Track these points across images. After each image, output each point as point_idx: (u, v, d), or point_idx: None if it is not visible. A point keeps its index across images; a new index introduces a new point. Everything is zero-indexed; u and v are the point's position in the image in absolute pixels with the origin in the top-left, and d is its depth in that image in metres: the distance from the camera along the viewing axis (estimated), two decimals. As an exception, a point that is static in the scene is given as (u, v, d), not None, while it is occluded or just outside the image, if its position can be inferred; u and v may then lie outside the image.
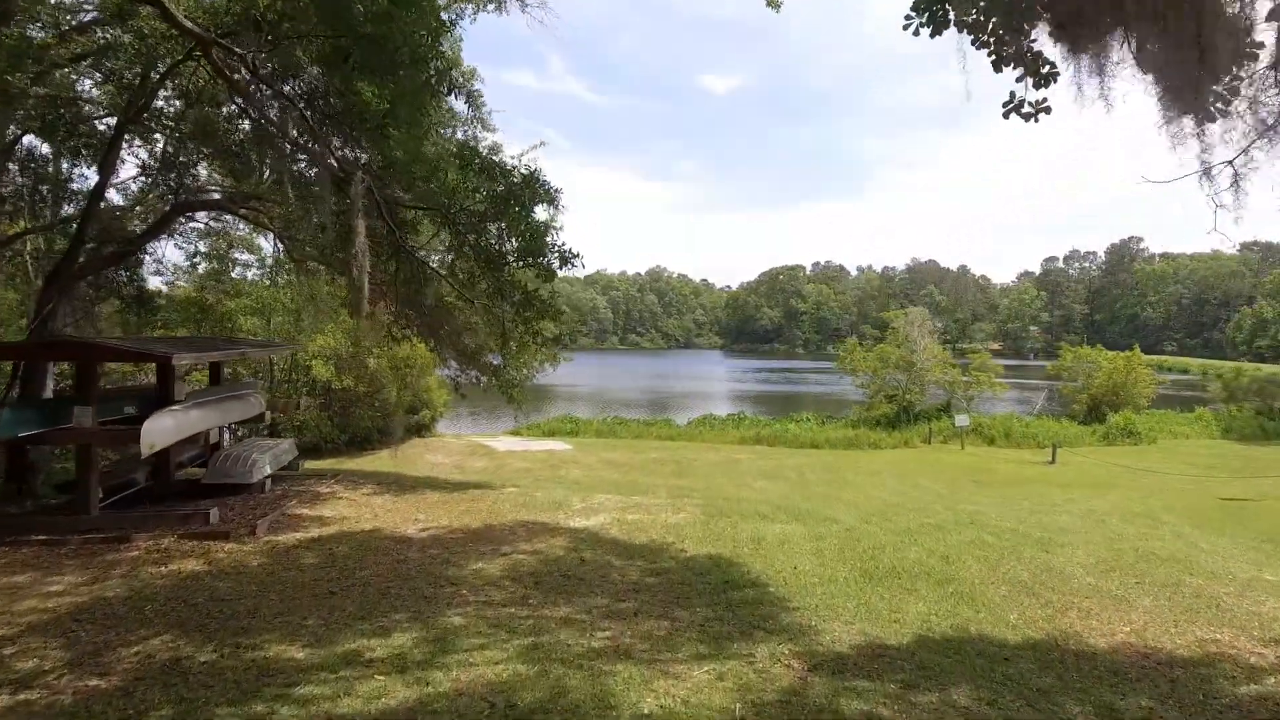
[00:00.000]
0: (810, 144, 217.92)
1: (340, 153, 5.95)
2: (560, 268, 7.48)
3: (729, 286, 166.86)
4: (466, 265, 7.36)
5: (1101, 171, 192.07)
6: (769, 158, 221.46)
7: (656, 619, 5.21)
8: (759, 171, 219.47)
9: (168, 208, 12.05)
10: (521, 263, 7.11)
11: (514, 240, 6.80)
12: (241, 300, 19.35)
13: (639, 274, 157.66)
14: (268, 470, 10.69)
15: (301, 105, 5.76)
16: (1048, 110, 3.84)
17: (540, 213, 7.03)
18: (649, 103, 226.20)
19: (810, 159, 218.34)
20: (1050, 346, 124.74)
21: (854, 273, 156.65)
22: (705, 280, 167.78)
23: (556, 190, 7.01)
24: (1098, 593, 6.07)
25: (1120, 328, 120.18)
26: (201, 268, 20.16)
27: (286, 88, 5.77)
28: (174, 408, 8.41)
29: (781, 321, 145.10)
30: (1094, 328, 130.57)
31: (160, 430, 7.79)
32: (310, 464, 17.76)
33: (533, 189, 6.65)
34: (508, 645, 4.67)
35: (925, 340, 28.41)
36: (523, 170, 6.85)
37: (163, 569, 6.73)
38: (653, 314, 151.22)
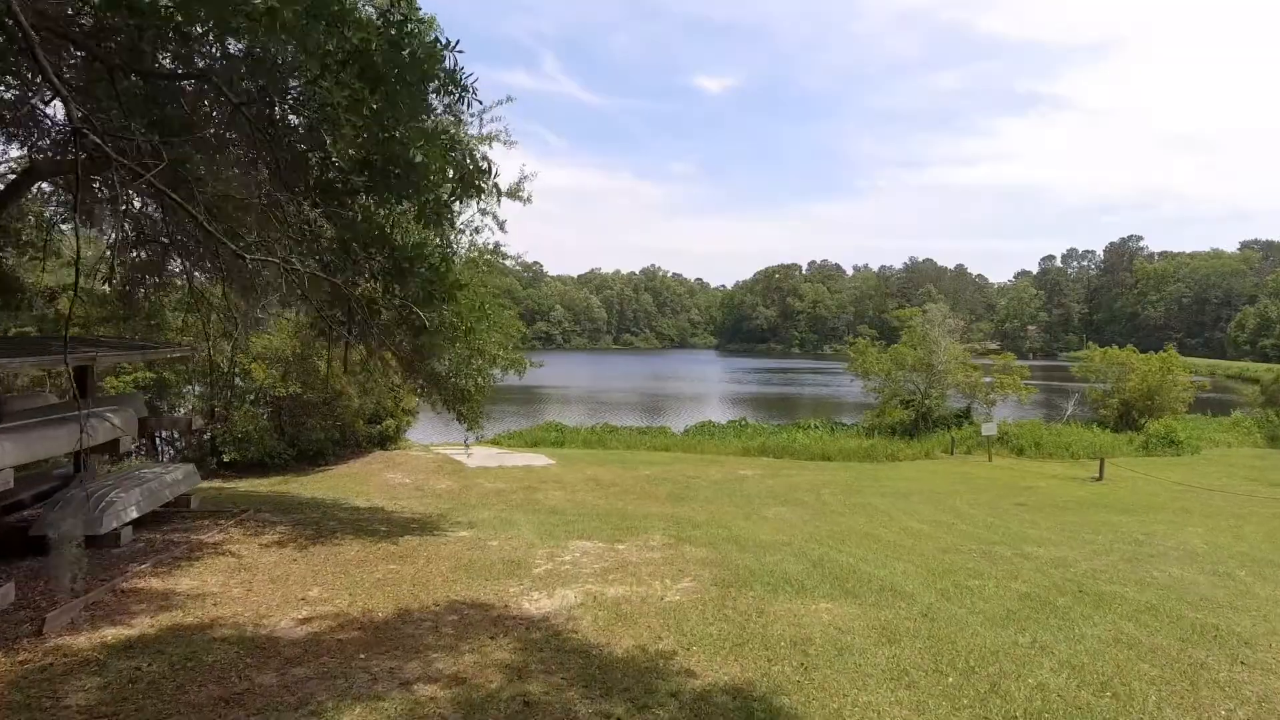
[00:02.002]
0: (805, 143, 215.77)
1: None
2: (461, 198, 4.46)
3: (724, 286, 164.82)
4: (292, 196, 4.27)
5: (1101, 170, 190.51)
6: (764, 157, 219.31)
7: None
8: (754, 171, 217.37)
9: (17, 172, 9.34)
10: (385, 193, 4.03)
11: (361, 140, 3.70)
12: (169, 294, 16.58)
13: (633, 273, 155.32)
14: (131, 514, 8.01)
15: None
16: None
17: (453, 123, 4.20)
18: (643, 102, 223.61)
19: (805, 158, 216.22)
20: (1049, 346, 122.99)
21: (850, 272, 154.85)
22: (700, 280, 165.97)
23: (454, 57, 3.86)
24: None
25: (1119, 327, 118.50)
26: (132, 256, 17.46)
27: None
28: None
29: (777, 321, 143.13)
30: (1092, 327, 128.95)
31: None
32: (249, 485, 15.19)
33: (402, 41, 3.47)
34: None
35: (946, 340, 25.85)
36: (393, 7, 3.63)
37: None
38: (647, 314, 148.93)
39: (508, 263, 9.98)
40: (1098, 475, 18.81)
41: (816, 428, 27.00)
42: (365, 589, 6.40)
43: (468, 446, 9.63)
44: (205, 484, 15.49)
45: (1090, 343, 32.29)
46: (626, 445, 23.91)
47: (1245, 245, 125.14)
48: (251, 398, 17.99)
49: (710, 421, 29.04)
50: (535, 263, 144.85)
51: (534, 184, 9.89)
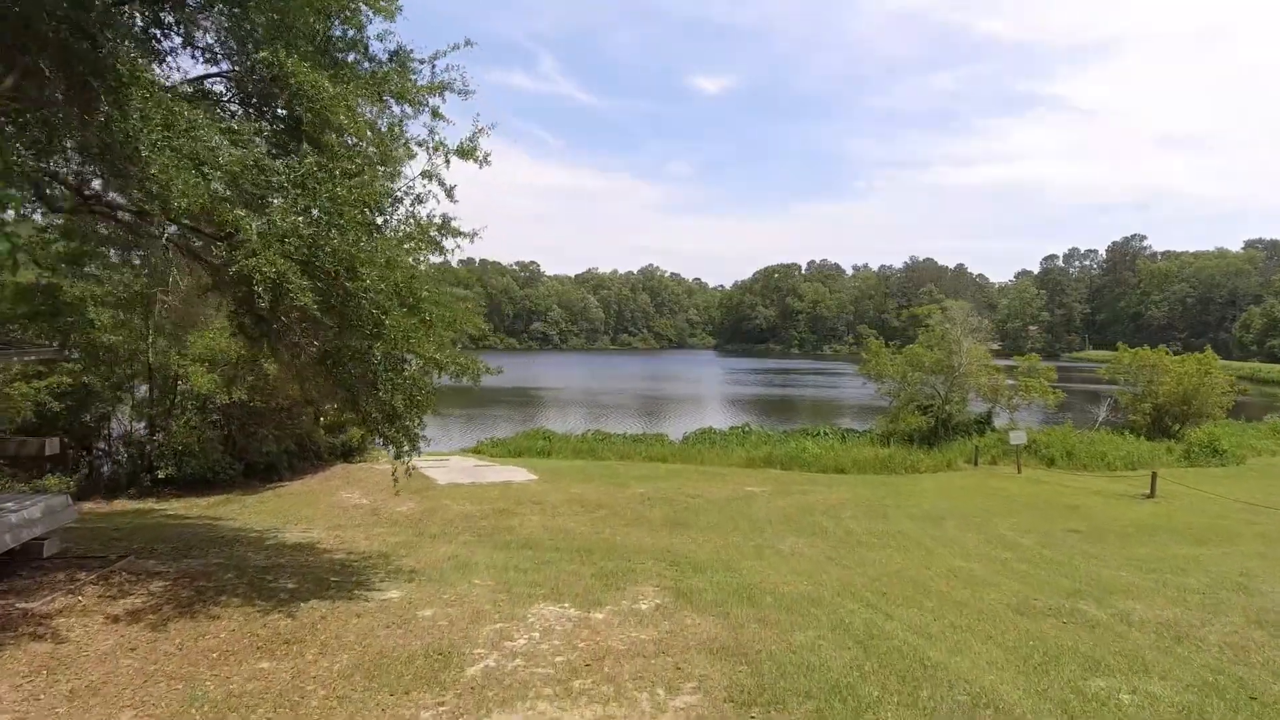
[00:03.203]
0: (803, 144, 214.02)
1: None
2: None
3: (723, 286, 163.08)
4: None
5: (1101, 170, 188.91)
6: (762, 157, 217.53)
7: None
8: (752, 171, 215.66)
9: None
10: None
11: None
12: (92, 286, 14.39)
13: (631, 273, 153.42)
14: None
15: None
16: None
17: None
18: (641, 103, 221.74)
19: (804, 158, 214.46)
20: (1051, 347, 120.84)
21: (850, 272, 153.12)
22: (699, 280, 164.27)
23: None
24: None
25: (1122, 327, 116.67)
26: (56, 247, 15.33)
27: None
28: None
29: (777, 321, 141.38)
30: (1095, 327, 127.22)
31: None
32: (183, 506, 13.31)
33: None
34: None
35: (968, 342, 23.72)
36: None
37: None
38: (645, 314, 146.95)
39: (460, 240, 7.81)
40: (1149, 492, 16.68)
41: (827, 435, 24.89)
42: (200, 715, 4.22)
43: (395, 477, 7.47)
44: (134, 505, 13.37)
45: (1120, 343, 30.17)
46: (619, 455, 21.75)
47: (1250, 244, 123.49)
48: (195, 405, 15.82)
49: (711, 428, 26.90)
50: (532, 262, 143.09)
51: (489, 141, 7.78)
